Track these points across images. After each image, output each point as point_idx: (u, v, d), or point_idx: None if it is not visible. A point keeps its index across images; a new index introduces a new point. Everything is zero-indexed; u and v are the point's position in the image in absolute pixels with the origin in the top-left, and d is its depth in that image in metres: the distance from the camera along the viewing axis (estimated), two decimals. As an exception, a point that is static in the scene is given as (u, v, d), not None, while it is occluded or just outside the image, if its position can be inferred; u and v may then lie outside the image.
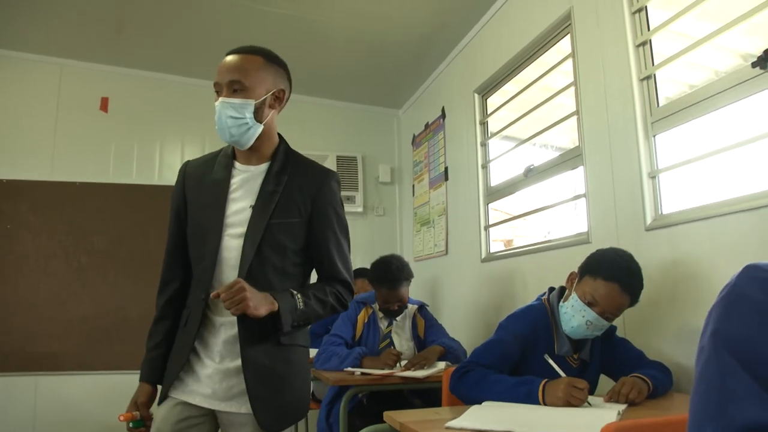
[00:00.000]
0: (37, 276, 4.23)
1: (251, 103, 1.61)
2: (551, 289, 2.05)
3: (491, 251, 3.52)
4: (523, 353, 1.90)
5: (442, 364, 2.65)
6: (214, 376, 1.59)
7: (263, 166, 1.71)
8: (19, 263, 4.23)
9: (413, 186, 4.70)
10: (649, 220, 2.19)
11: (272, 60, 1.70)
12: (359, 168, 4.87)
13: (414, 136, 4.74)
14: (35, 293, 4.18)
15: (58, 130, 4.46)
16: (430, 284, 4.28)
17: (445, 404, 2.07)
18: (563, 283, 2.00)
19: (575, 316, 1.84)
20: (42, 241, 4.30)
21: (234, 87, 1.61)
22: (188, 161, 1.83)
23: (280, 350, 1.62)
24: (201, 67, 4.51)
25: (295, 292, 1.60)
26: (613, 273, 1.80)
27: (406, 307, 3.01)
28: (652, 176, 2.22)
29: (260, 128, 1.65)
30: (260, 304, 1.50)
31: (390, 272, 2.90)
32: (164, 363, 1.67)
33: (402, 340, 2.98)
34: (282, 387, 1.62)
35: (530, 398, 1.62)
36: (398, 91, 4.91)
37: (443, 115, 4.17)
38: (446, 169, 4.07)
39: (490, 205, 3.56)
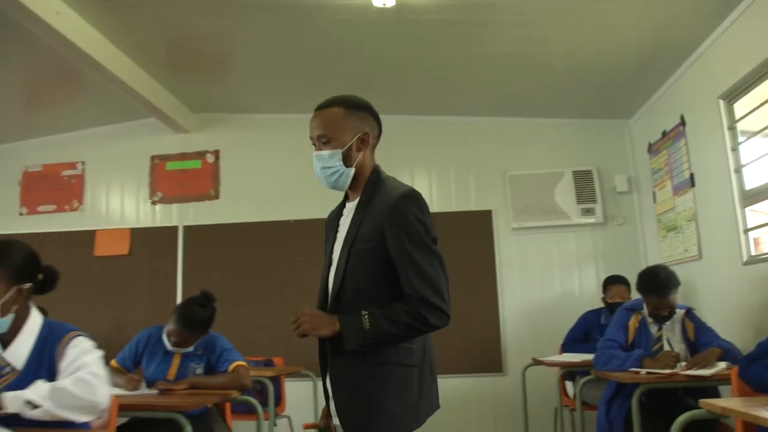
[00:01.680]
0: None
1: (338, 153, 1.77)
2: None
3: (754, 254, 3.54)
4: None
5: (722, 365, 2.80)
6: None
7: (357, 200, 1.85)
8: (309, 288, 5.06)
9: (654, 193, 4.79)
10: None
11: (353, 107, 1.83)
12: (595, 180, 5.07)
13: (650, 144, 4.83)
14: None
15: (328, 175, 5.27)
16: (681, 287, 4.34)
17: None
18: None
19: None
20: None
21: (322, 140, 1.79)
22: (330, 212, 2.01)
23: (364, 366, 1.69)
24: (428, 105, 5.13)
25: (364, 313, 1.65)
26: None
27: (675, 312, 3.19)
28: None
29: (352, 171, 1.81)
30: (320, 325, 1.67)
31: (659, 281, 3.11)
32: None
33: (674, 343, 3.16)
34: (362, 402, 1.69)
35: None
36: (627, 102, 5.03)
37: (683, 123, 4.25)
38: (692, 175, 4.14)
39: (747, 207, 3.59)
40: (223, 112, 5.53)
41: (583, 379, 3.29)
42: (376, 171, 1.87)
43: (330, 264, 1.83)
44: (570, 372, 4.06)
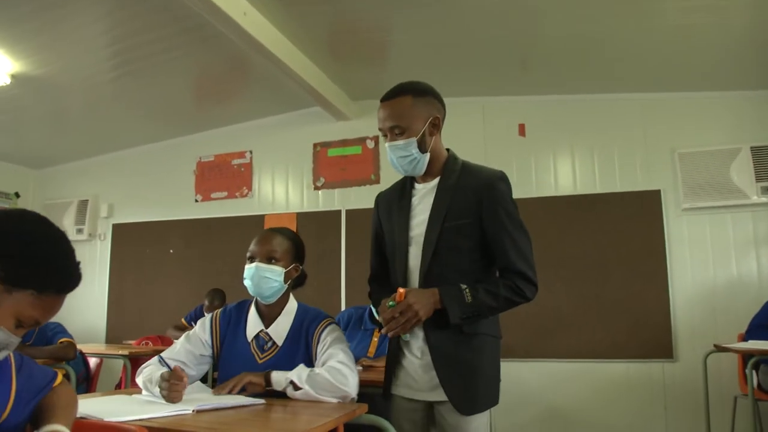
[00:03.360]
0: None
1: (413, 141, 1.82)
2: None
3: None
4: None
5: None
6: (417, 370, 1.83)
7: (436, 180, 1.90)
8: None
9: None
10: None
11: (420, 93, 1.86)
12: (778, 156, 4.74)
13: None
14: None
15: (487, 157, 5.29)
16: None
17: None
18: None
19: None
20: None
21: (395, 131, 1.83)
22: (380, 193, 2.12)
23: (464, 338, 1.77)
24: (588, 84, 4.98)
25: (463, 287, 1.71)
26: None
27: None
28: None
29: (428, 156, 1.86)
30: (429, 306, 1.71)
31: None
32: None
33: None
34: (469, 372, 1.75)
35: None
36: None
37: None
38: None
39: None
40: (381, 99, 5.68)
41: (785, 369, 3.13)
42: (453, 155, 1.96)
43: (406, 242, 1.88)
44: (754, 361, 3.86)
